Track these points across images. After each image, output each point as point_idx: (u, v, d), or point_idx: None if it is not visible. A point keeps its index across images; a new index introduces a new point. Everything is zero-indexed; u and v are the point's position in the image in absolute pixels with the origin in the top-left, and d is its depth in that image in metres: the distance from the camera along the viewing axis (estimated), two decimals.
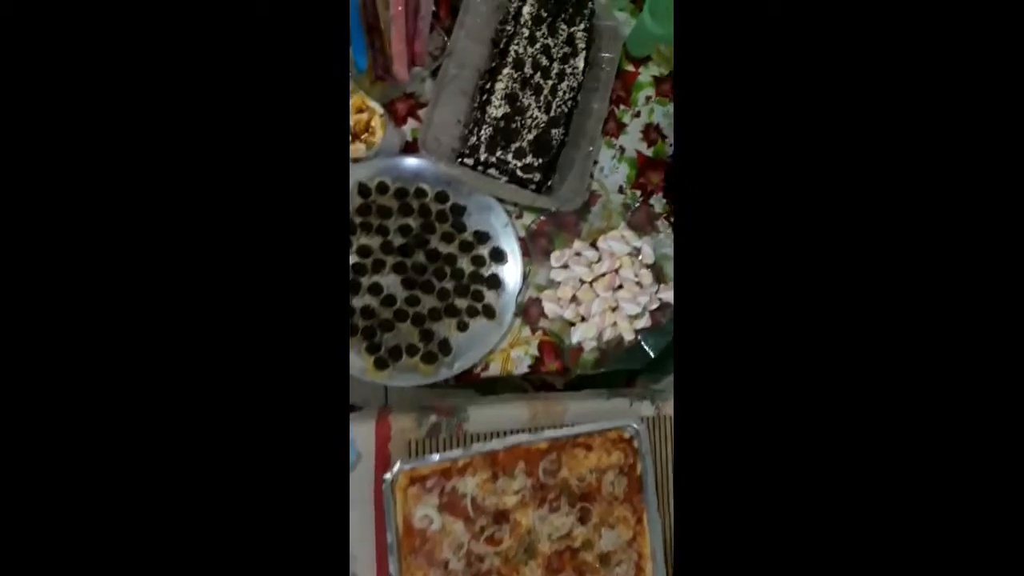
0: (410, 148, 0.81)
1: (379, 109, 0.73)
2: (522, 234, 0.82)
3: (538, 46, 0.79)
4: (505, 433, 0.70)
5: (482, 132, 0.77)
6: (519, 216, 0.83)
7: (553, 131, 0.78)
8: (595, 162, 0.85)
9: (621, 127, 0.90)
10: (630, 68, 0.91)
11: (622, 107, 0.90)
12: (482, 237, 0.78)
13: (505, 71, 0.77)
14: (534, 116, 0.77)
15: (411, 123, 0.82)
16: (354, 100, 0.72)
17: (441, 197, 0.78)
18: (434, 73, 0.81)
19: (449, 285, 0.76)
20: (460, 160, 0.77)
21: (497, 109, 0.77)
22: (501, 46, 0.80)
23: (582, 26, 0.82)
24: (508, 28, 0.80)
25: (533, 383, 0.92)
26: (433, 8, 0.78)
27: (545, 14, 0.80)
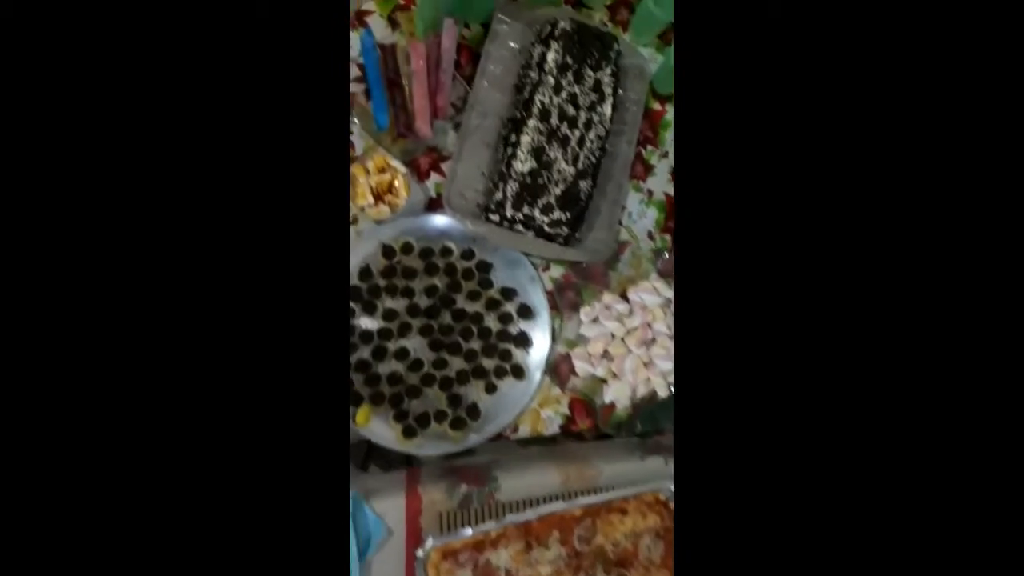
0: (434, 204, 0.79)
1: (402, 168, 0.71)
2: (550, 287, 0.80)
3: (564, 95, 0.76)
4: (538, 501, 0.69)
5: (508, 187, 0.74)
6: (546, 268, 0.81)
7: (581, 183, 0.76)
8: (623, 207, 0.83)
9: (648, 169, 0.87)
10: (656, 106, 0.88)
11: (649, 148, 0.87)
12: (509, 294, 0.76)
13: (531, 123, 0.75)
14: (561, 170, 0.75)
15: (434, 177, 0.80)
16: (376, 160, 0.71)
17: (467, 255, 0.76)
18: (457, 124, 0.79)
19: (476, 345, 0.74)
20: (486, 216, 0.75)
21: (523, 164, 0.74)
22: (525, 95, 0.77)
23: (608, 70, 0.79)
24: (532, 76, 0.78)
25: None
26: (455, 57, 0.76)
27: (571, 61, 0.77)
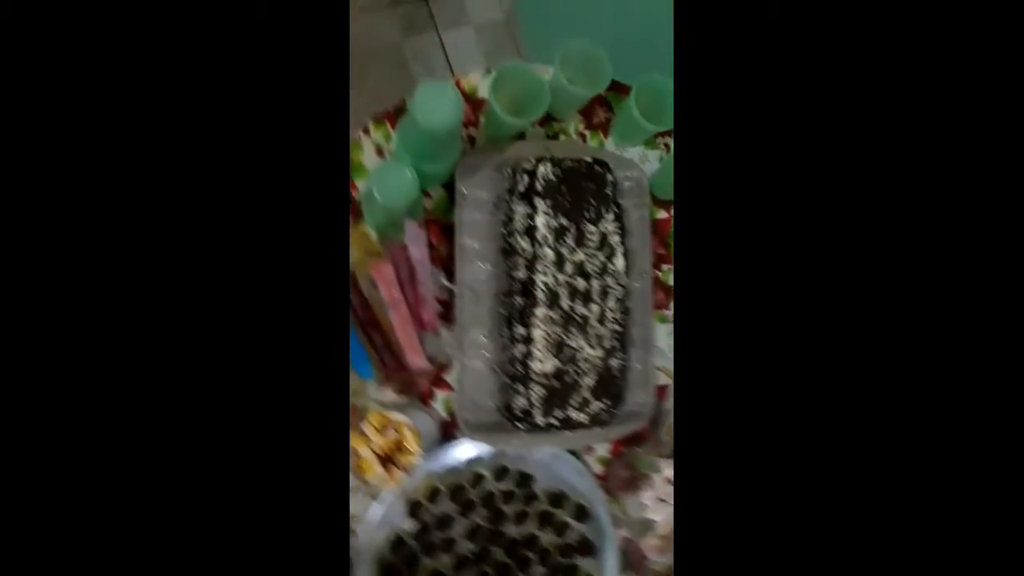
0: (448, 426, 0.67)
1: (404, 419, 0.58)
2: (599, 469, 0.70)
3: (569, 269, 0.63)
4: None
5: (532, 393, 0.62)
6: (589, 449, 0.70)
7: (613, 362, 0.64)
8: (654, 347, 0.72)
9: (668, 292, 0.75)
10: (661, 214, 0.76)
11: (664, 267, 0.75)
12: (558, 499, 0.66)
13: (539, 312, 0.62)
14: (588, 357, 0.63)
15: (439, 394, 0.67)
16: (372, 419, 0.57)
17: (501, 473, 0.65)
18: (446, 320, 0.66)
19: (539, 572, 0.64)
20: (512, 423, 0.64)
21: (543, 363, 0.62)
22: (521, 273, 0.63)
23: (611, 216, 0.65)
24: (523, 246, 0.64)
25: None
26: (431, 266, 0.61)
27: (566, 222, 0.63)
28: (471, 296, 0.65)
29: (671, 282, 0.75)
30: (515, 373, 0.64)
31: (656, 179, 0.74)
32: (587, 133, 0.74)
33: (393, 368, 0.59)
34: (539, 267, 0.63)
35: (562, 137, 0.73)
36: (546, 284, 0.62)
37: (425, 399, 0.66)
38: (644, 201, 0.71)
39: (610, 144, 0.74)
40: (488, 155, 0.68)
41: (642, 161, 0.75)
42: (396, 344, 0.58)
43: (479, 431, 0.64)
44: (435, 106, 0.54)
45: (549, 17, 1.38)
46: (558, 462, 0.67)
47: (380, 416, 0.57)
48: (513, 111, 0.65)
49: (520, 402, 0.64)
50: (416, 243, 0.58)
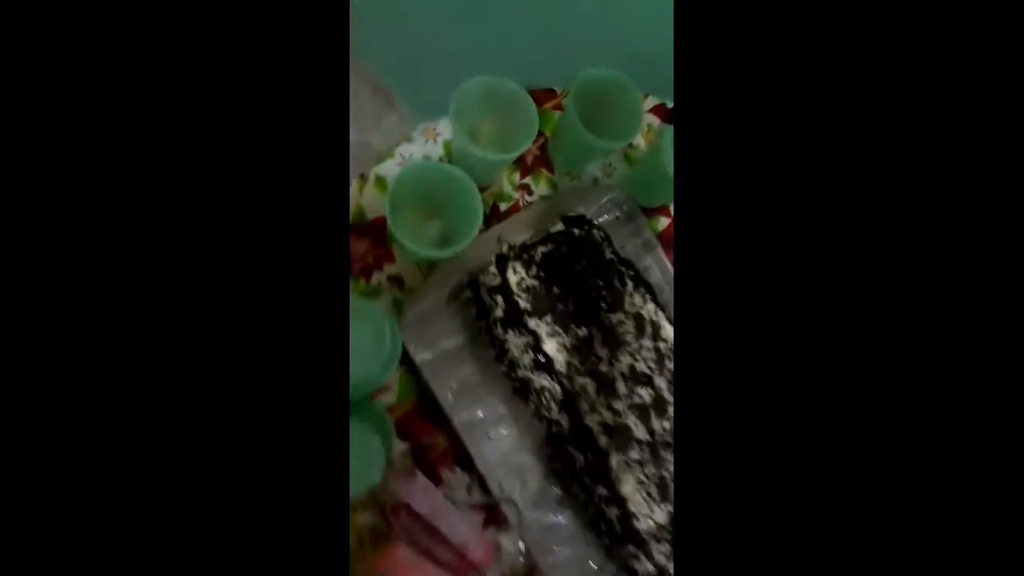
0: None
1: None
2: None
3: (620, 388, 0.45)
4: None
5: (654, 553, 0.46)
6: None
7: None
8: None
9: None
10: (662, 223, 0.57)
11: None
12: None
13: (613, 463, 0.44)
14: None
15: None
16: None
17: None
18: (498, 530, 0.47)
19: None
20: None
21: (653, 517, 0.45)
22: (557, 418, 0.45)
23: (628, 282, 0.47)
24: (543, 385, 0.45)
25: None
26: (447, 502, 0.42)
27: (583, 331, 0.44)
28: (512, 483, 0.47)
29: None
30: (621, 537, 0.47)
31: (631, 187, 0.56)
32: (528, 180, 0.54)
33: None
34: (582, 407, 0.45)
35: (502, 206, 0.53)
36: (603, 424, 0.45)
37: None
38: (641, 227, 0.53)
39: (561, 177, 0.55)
40: (432, 290, 0.48)
41: (606, 174, 0.56)
42: None
43: None
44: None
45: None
46: None
47: None
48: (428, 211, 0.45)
49: (647, 567, 0.47)
50: (417, 494, 0.39)
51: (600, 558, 0.49)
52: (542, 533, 0.48)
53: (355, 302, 0.39)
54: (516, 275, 0.45)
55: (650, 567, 0.46)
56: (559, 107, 0.55)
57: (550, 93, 0.56)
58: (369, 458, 0.36)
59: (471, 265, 0.48)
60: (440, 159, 0.52)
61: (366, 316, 0.38)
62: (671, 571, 0.47)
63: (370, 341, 0.37)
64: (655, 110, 0.59)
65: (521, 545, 0.47)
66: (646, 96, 0.58)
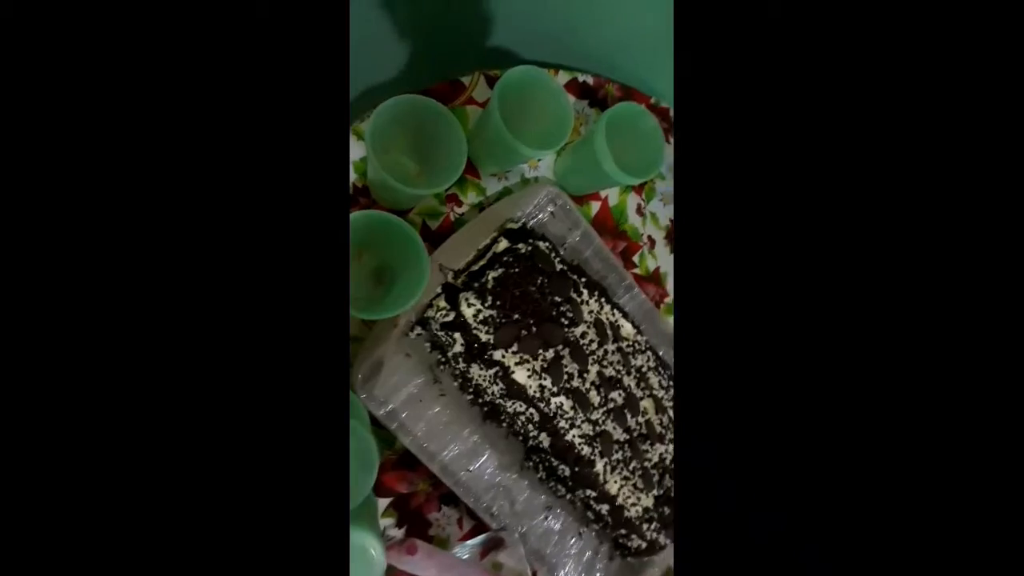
0: None
1: None
2: None
3: (593, 398, 0.44)
4: None
5: (646, 531, 0.48)
6: None
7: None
8: None
9: (657, 277, 0.59)
10: (594, 208, 0.55)
11: (635, 257, 0.57)
12: None
13: (599, 467, 0.44)
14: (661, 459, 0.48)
15: None
16: None
17: None
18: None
19: None
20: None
21: (639, 503, 0.46)
22: (536, 435, 0.44)
23: (582, 291, 0.46)
24: (517, 410, 0.43)
25: None
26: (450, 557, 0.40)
27: (551, 354, 0.42)
28: (501, 505, 0.47)
29: (652, 266, 0.59)
30: (612, 525, 0.49)
31: (563, 178, 0.53)
32: (454, 190, 0.50)
33: None
34: (560, 425, 0.44)
35: (432, 224, 0.49)
36: (584, 436, 0.45)
37: None
38: (577, 220, 0.51)
39: (491, 182, 0.51)
40: (380, 338, 0.44)
41: (531, 166, 0.53)
42: None
43: None
44: None
45: None
46: None
47: None
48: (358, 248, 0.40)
49: (639, 543, 0.50)
50: (422, 564, 0.37)
51: (595, 544, 0.51)
52: (539, 540, 0.49)
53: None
54: (471, 308, 0.42)
55: (642, 543, 0.49)
56: (470, 100, 0.50)
57: (456, 85, 0.50)
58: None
59: (412, 301, 0.44)
60: (353, 185, 0.46)
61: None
62: (662, 542, 0.50)
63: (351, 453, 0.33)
64: (566, 87, 0.55)
65: (525, 558, 0.48)
66: (556, 72, 0.54)
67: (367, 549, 0.33)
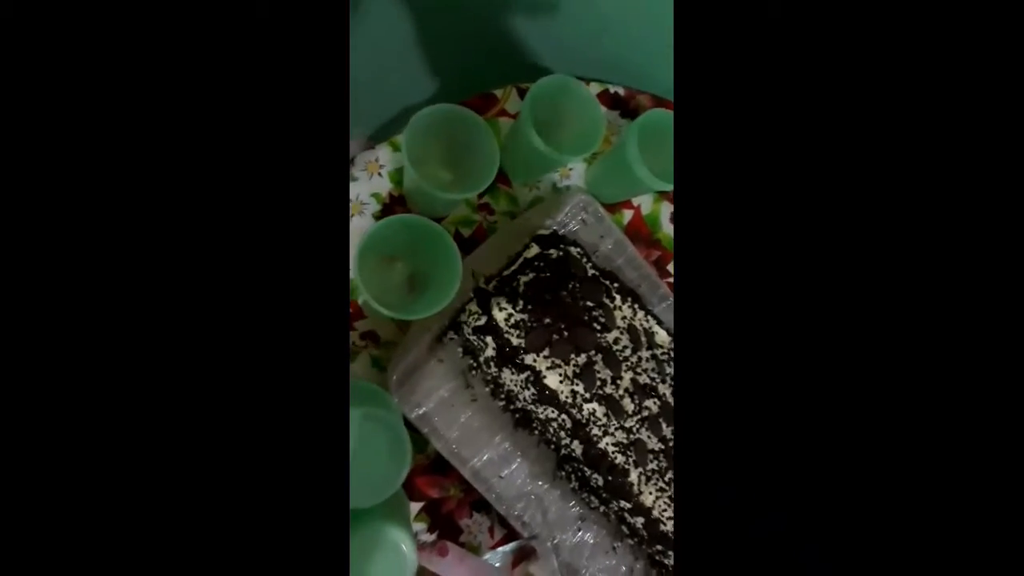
0: None
1: None
2: None
3: (627, 405, 0.44)
4: None
5: None
6: None
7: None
8: None
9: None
10: (627, 216, 0.56)
11: (669, 265, 0.57)
12: None
13: (632, 478, 0.43)
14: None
15: None
16: None
17: None
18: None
19: None
20: None
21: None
22: (568, 443, 0.44)
23: (615, 296, 0.45)
24: (550, 416, 0.43)
25: None
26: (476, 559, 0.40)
27: (583, 358, 0.42)
28: (533, 514, 0.46)
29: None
30: (648, 540, 0.48)
31: (594, 186, 0.53)
32: (486, 199, 0.51)
33: None
34: (593, 432, 0.44)
35: (465, 232, 0.50)
36: (618, 444, 0.44)
37: None
38: (610, 228, 0.51)
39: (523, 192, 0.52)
40: (414, 342, 0.45)
41: (563, 176, 0.53)
42: None
43: None
44: None
45: None
46: None
47: None
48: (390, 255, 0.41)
49: (672, 561, 0.49)
50: (454, 569, 0.37)
51: (630, 561, 0.50)
52: (571, 553, 0.48)
53: (364, 408, 0.36)
54: (502, 311, 0.42)
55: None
56: (503, 112, 0.52)
57: (489, 98, 0.52)
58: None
59: (450, 305, 0.45)
60: (389, 194, 0.48)
61: (377, 419, 0.35)
62: None
63: (383, 445, 0.34)
64: (598, 98, 0.56)
65: (557, 571, 0.47)
66: (588, 83, 0.55)
67: (399, 545, 0.33)
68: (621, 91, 0.57)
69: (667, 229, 0.58)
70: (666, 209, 0.58)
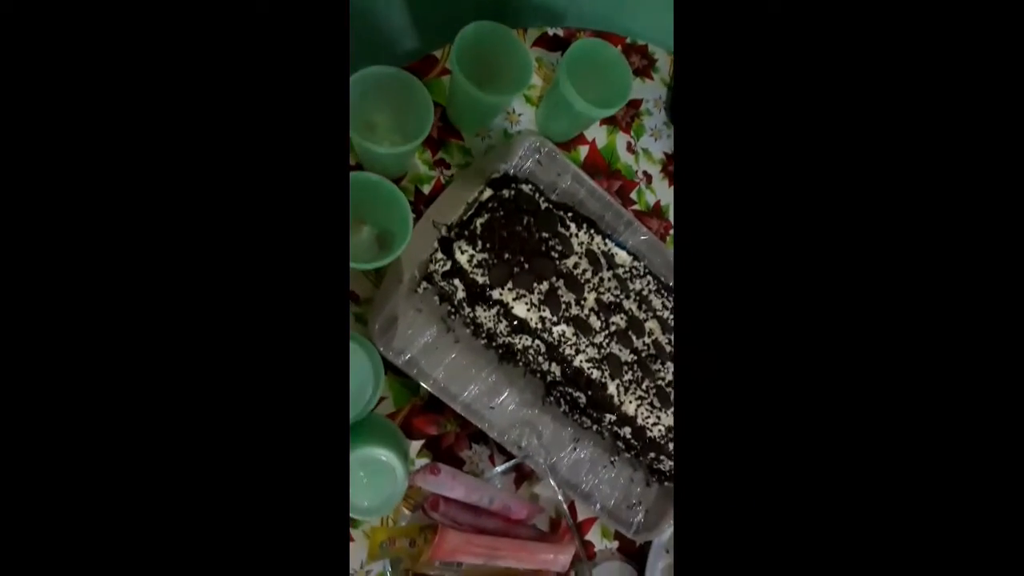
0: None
1: None
2: None
3: (594, 322, 0.47)
4: None
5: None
6: None
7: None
8: None
9: (658, 211, 0.60)
10: (583, 152, 0.58)
11: (632, 194, 0.59)
12: None
13: (611, 389, 0.46)
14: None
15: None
16: None
17: None
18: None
19: None
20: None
21: (661, 420, 0.48)
22: (547, 367, 0.47)
23: (569, 226, 0.48)
24: (526, 344, 0.47)
25: None
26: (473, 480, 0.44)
27: (545, 286, 0.45)
28: (529, 438, 0.50)
29: (651, 200, 0.60)
30: (640, 448, 0.51)
31: (542, 127, 0.55)
32: (440, 155, 0.53)
33: None
34: (567, 352, 0.47)
35: (425, 188, 0.53)
36: (591, 359, 0.47)
37: (591, 554, 0.53)
38: (565, 164, 0.53)
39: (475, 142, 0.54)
40: (389, 294, 0.48)
41: (512, 122, 0.56)
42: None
43: None
44: None
45: None
46: None
47: None
48: (356, 218, 0.44)
49: (668, 465, 0.52)
50: (446, 484, 0.41)
51: (629, 471, 0.53)
52: (570, 470, 0.51)
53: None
54: (464, 254, 0.45)
55: (671, 464, 0.51)
56: (445, 71, 0.54)
57: (431, 60, 0.54)
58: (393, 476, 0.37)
59: (418, 257, 0.48)
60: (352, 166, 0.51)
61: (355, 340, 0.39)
62: None
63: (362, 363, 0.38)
64: (538, 43, 0.58)
65: (556, 487, 0.50)
66: (524, 31, 0.57)
67: (389, 464, 0.37)
68: (560, 32, 0.59)
69: (625, 159, 0.60)
70: (621, 140, 0.60)
